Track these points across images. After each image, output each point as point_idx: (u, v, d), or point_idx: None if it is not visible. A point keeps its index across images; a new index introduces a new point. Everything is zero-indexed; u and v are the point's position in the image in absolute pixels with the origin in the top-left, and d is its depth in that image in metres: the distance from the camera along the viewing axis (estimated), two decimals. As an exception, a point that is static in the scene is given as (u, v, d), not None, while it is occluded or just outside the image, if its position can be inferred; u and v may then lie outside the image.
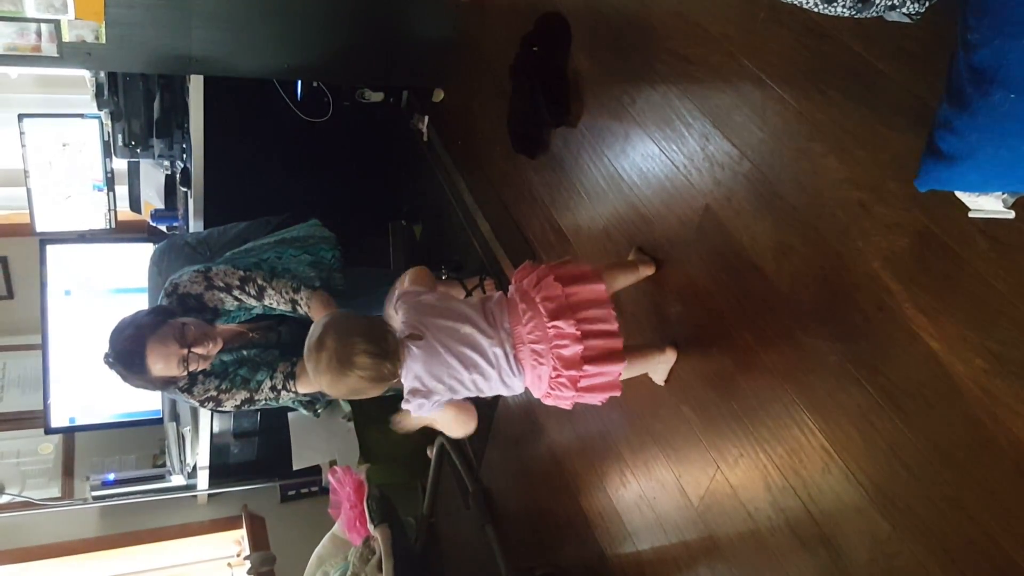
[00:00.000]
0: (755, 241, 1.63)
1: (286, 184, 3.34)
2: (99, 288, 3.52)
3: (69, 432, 3.81)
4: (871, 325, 1.38)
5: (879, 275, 1.36)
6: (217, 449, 3.60)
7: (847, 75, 1.40)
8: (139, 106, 3.00)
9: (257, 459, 3.83)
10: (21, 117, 3.23)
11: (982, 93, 0.94)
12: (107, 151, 3.33)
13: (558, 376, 1.63)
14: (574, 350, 1.60)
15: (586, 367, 1.61)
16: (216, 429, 3.52)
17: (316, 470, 3.81)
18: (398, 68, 3.06)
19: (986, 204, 1.09)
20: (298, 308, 2.29)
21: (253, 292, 2.26)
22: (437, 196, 3.28)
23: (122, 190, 3.58)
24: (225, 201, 3.03)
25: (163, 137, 3.04)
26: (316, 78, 3.21)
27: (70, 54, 2.51)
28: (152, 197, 3.51)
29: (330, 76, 3.15)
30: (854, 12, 1.05)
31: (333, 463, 3.60)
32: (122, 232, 3.67)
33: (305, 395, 2.37)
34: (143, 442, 3.93)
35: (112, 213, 3.52)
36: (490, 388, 1.69)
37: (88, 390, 3.46)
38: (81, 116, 3.30)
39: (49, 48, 2.48)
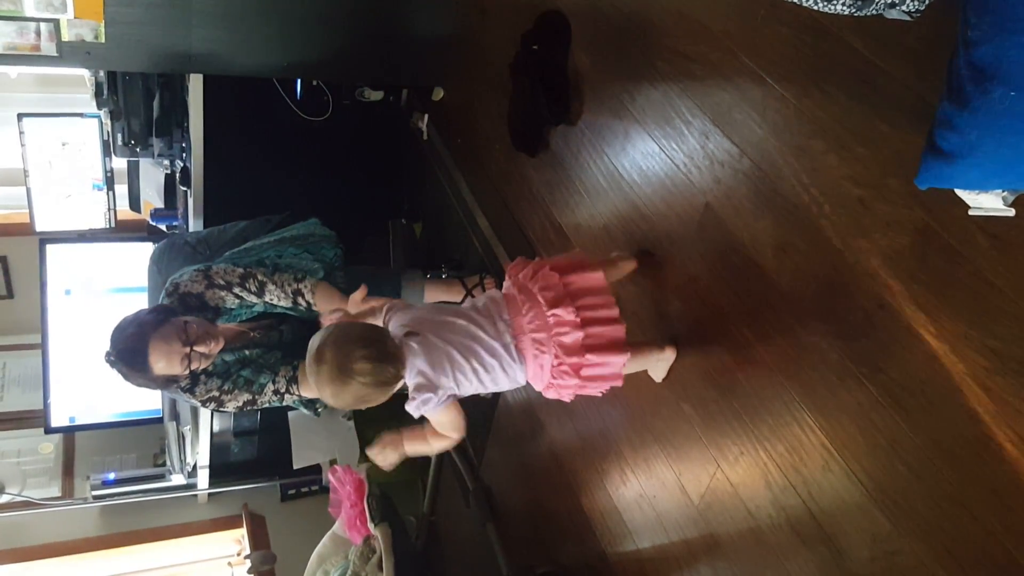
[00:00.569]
0: (755, 239, 1.63)
1: (286, 183, 3.34)
2: (99, 287, 3.52)
3: (69, 431, 3.81)
4: (872, 323, 1.38)
5: (879, 273, 1.36)
6: (217, 448, 3.60)
7: (847, 73, 1.40)
8: (139, 105, 3.00)
9: (257, 458, 3.82)
10: (21, 116, 3.22)
11: (982, 90, 0.94)
12: (107, 150, 3.32)
13: (560, 364, 1.63)
14: (575, 337, 1.61)
15: (588, 355, 1.61)
16: (216, 428, 3.52)
17: (316, 469, 3.81)
18: (398, 67, 3.06)
19: (986, 202, 1.09)
20: (301, 300, 2.28)
21: (254, 289, 2.26)
22: (437, 194, 3.28)
23: (122, 189, 3.58)
24: (225, 200, 3.03)
25: (163, 136, 3.04)
26: (316, 77, 3.21)
27: (69, 53, 2.51)
28: (152, 196, 3.51)
29: (330, 75, 3.15)
30: (854, 10, 1.05)
31: (333, 462, 3.60)
32: (122, 231, 3.67)
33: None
34: (143, 441, 3.93)
35: (112, 212, 3.52)
36: (493, 380, 1.68)
37: (88, 389, 3.46)
38: (81, 115, 3.30)
39: (48, 47, 2.47)
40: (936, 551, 1.30)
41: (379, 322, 1.76)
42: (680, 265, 1.87)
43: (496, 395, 2.83)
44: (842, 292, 1.44)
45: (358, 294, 1.91)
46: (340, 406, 1.63)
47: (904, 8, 1.05)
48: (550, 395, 1.73)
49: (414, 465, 3.58)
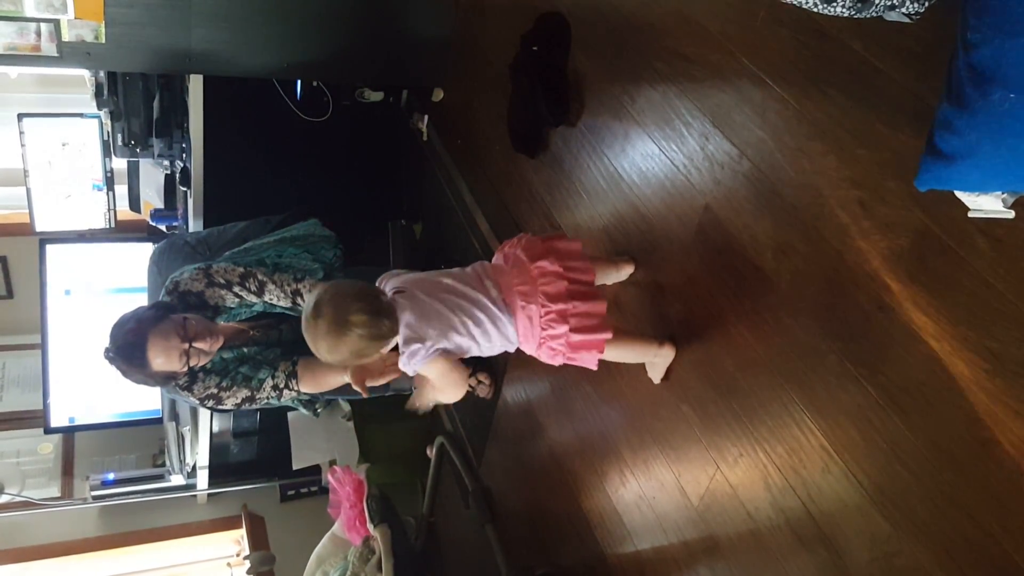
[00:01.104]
0: (755, 240, 1.63)
1: (286, 184, 3.34)
2: (99, 288, 3.52)
3: (69, 432, 3.80)
4: (871, 324, 1.38)
5: (879, 274, 1.36)
6: (217, 449, 3.60)
7: (847, 74, 1.40)
8: (139, 106, 3.00)
9: (257, 459, 3.82)
10: (21, 117, 3.22)
11: (982, 92, 0.94)
12: (107, 150, 3.32)
13: (548, 312, 1.66)
14: (558, 285, 1.67)
15: (573, 302, 1.66)
16: (216, 429, 3.52)
17: (316, 470, 3.81)
18: (398, 67, 3.06)
19: (986, 204, 1.09)
20: (300, 300, 2.28)
21: (254, 288, 2.26)
22: (437, 195, 3.28)
23: (122, 189, 3.58)
24: (225, 201, 3.03)
25: (163, 136, 3.04)
26: (316, 77, 3.21)
27: (70, 54, 2.51)
28: (152, 196, 3.51)
29: (330, 75, 3.15)
30: (854, 12, 1.05)
31: (333, 463, 3.60)
32: (122, 232, 3.67)
33: (306, 394, 2.37)
34: (143, 442, 3.93)
35: (112, 212, 3.52)
36: (484, 334, 1.71)
37: (88, 390, 3.46)
38: (81, 116, 3.30)
39: (49, 48, 2.48)
40: (935, 552, 1.30)
41: None
42: (679, 266, 1.87)
43: (496, 395, 2.83)
44: (841, 293, 1.44)
45: None
46: (335, 360, 1.64)
47: (904, 10, 1.05)
48: (543, 355, 1.74)
49: (413, 466, 3.59)
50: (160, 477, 3.75)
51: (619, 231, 2.10)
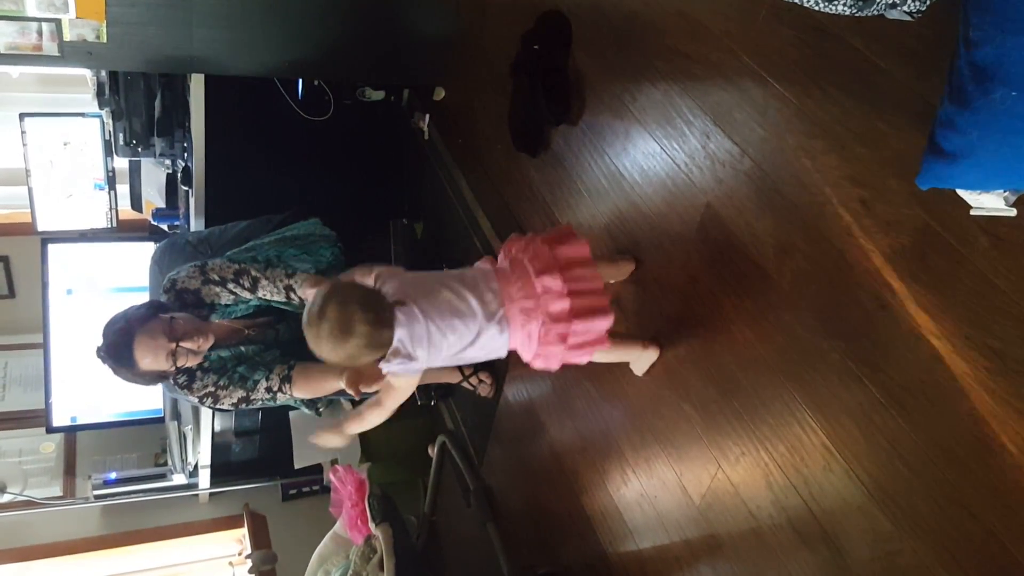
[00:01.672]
0: (756, 239, 1.63)
1: (287, 183, 3.34)
2: (100, 287, 3.52)
3: (71, 431, 3.81)
4: (872, 323, 1.38)
5: (881, 273, 1.36)
6: (218, 448, 3.60)
7: (848, 73, 1.40)
8: (140, 105, 3.00)
9: (258, 458, 3.83)
10: (22, 116, 3.23)
11: (983, 91, 0.94)
12: (108, 150, 3.33)
13: (547, 332, 1.67)
14: (562, 305, 1.65)
15: (574, 322, 1.66)
16: (217, 428, 3.52)
17: (317, 469, 3.81)
18: (399, 66, 3.06)
19: (988, 202, 1.09)
20: (293, 296, 2.28)
21: (247, 284, 2.26)
22: (438, 194, 3.28)
23: (123, 189, 3.58)
24: (226, 200, 3.03)
25: (164, 136, 3.04)
26: (317, 76, 3.21)
27: (71, 53, 2.51)
28: (153, 196, 3.52)
29: (331, 74, 3.15)
30: (855, 10, 1.05)
31: (334, 462, 3.60)
32: (123, 231, 3.67)
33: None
34: (144, 441, 3.93)
35: (113, 212, 3.52)
36: (475, 349, 1.71)
37: (89, 389, 3.46)
38: (82, 115, 3.30)
39: (50, 47, 2.48)
40: (937, 551, 1.30)
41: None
42: (681, 265, 1.87)
43: (497, 394, 2.84)
44: (843, 292, 1.44)
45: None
46: (334, 360, 1.65)
47: (905, 8, 1.05)
48: (537, 365, 1.75)
49: (415, 465, 3.59)
50: (162, 476, 3.75)
51: (620, 230, 2.10)
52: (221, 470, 3.73)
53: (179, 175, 3.22)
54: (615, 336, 1.79)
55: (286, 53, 2.82)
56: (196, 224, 3.10)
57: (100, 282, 3.53)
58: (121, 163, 3.43)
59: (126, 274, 3.53)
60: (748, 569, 1.72)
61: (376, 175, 3.76)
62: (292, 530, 3.71)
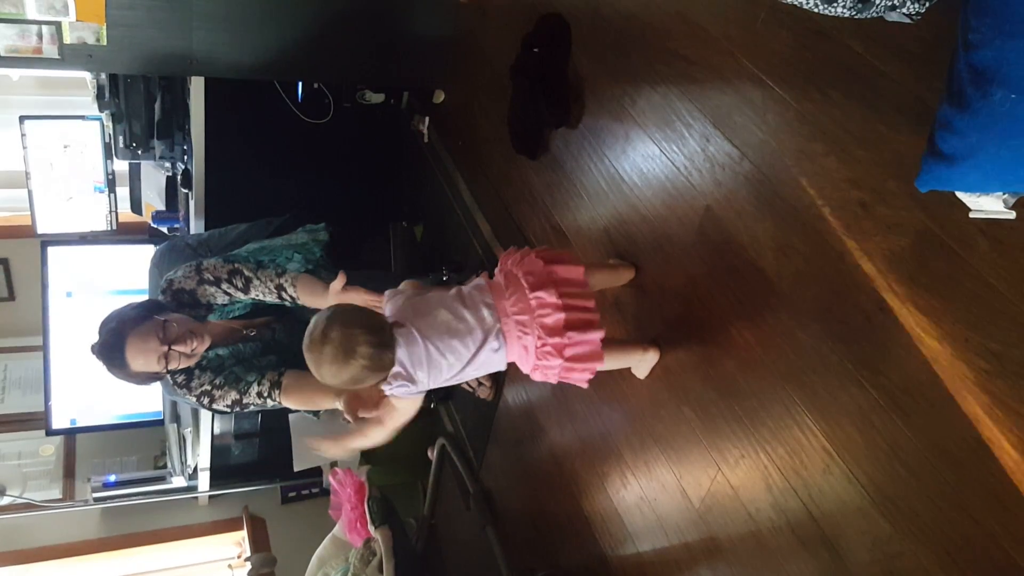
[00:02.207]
0: (756, 241, 1.63)
1: (287, 185, 3.34)
2: (100, 290, 3.52)
3: (70, 434, 3.81)
4: (872, 325, 1.38)
5: (880, 275, 1.36)
6: (218, 450, 3.59)
7: (848, 75, 1.40)
8: (140, 108, 3.00)
9: (258, 460, 3.82)
10: (22, 119, 3.23)
11: (983, 93, 0.94)
12: (108, 153, 3.33)
13: (543, 345, 1.68)
14: (556, 318, 1.66)
15: (569, 333, 1.67)
16: (217, 431, 3.52)
17: (317, 471, 3.80)
18: (399, 69, 3.06)
19: (987, 204, 1.09)
20: (284, 295, 2.27)
21: (240, 285, 2.26)
22: (438, 197, 3.28)
23: (123, 192, 3.58)
24: (226, 203, 3.03)
25: (164, 138, 3.04)
26: (317, 79, 3.21)
27: (71, 56, 2.51)
28: (153, 199, 3.52)
29: (331, 77, 3.16)
30: (854, 12, 1.05)
31: (334, 465, 3.60)
32: (123, 234, 3.67)
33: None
34: (144, 444, 3.93)
35: (113, 215, 3.53)
36: (475, 368, 1.73)
37: (89, 392, 3.46)
38: (82, 118, 3.30)
39: (50, 50, 2.48)
40: (936, 554, 1.29)
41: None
42: (680, 267, 1.87)
43: (497, 397, 2.83)
44: (842, 295, 1.44)
45: (337, 283, 2.03)
46: (335, 384, 1.66)
47: (904, 11, 1.05)
48: (536, 377, 1.76)
49: (414, 468, 3.58)
50: (161, 479, 3.75)
51: (620, 232, 2.10)
52: (220, 473, 3.72)
53: (179, 178, 3.22)
54: (615, 342, 1.80)
55: (286, 56, 2.82)
56: (196, 227, 3.10)
57: (100, 285, 3.53)
58: (121, 166, 3.43)
59: (126, 277, 3.53)
60: (747, 572, 1.72)
61: (376, 178, 3.76)
62: (291, 533, 3.70)
